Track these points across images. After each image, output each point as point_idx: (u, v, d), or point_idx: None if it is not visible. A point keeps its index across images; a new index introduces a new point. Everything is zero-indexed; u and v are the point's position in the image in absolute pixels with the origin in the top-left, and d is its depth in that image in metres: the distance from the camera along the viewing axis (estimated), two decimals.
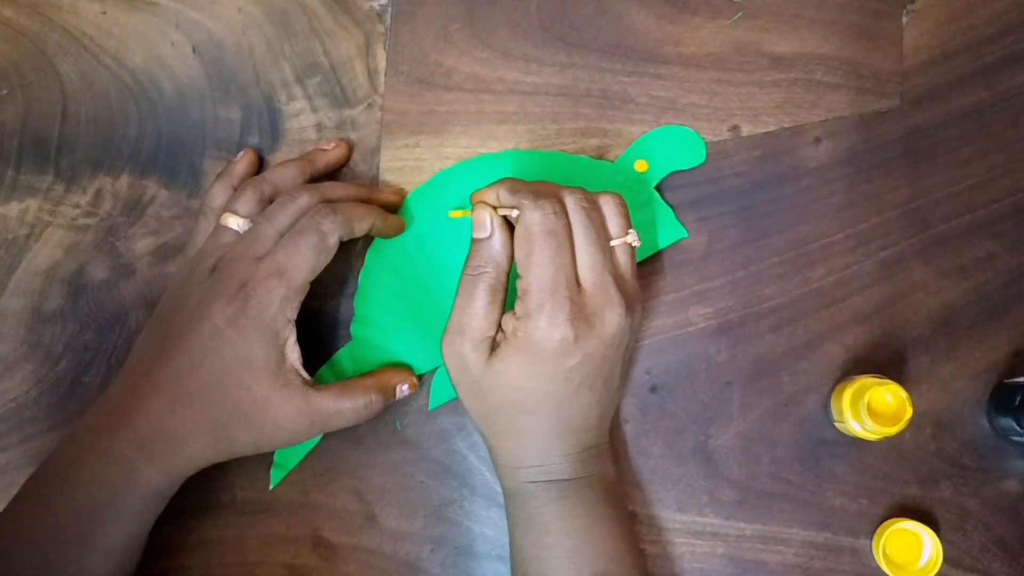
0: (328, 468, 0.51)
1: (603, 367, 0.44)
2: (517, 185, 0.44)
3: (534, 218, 0.42)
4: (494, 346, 0.44)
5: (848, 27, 0.52)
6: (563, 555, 0.44)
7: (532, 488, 0.45)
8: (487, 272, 0.43)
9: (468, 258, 0.44)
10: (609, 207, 0.45)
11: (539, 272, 0.42)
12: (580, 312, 0.42)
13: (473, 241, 0.45)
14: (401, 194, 0.52)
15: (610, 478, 0.46)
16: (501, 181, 0.45)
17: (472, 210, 0.45)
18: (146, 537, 0.45)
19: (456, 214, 0.47)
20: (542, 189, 0.44)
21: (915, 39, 0.52)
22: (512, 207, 0.44)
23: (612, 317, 0.43)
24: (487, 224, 0.44)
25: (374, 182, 0.53)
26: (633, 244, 0.45)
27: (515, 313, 0.43)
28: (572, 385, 0.43)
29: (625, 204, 0.45)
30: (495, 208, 0.44)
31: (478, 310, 0.43)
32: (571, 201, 0.43)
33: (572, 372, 0.43)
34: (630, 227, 0.45)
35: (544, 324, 0.42)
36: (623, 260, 0.45)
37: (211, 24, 0.55)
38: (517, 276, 0.43)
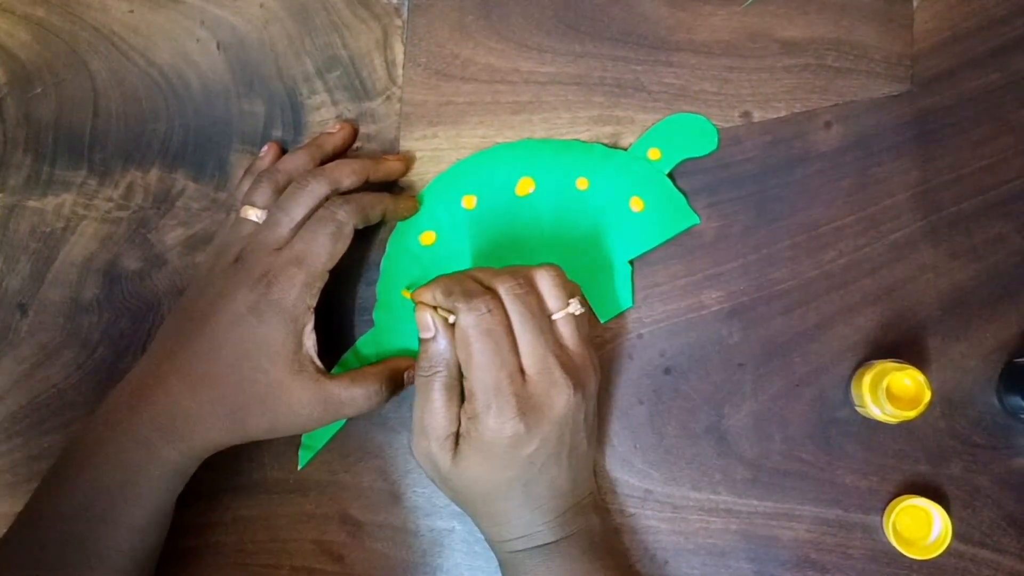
0: (354, 448, 0.53)
1: (563, 442, 0.45)
2: (451, 286, 0.44)
3: (469, 321, 0.43)
4: (458, 440, 0.44)
5: (859, 11, 0.53)
6: None
7: (519, 556, 0.46)
8: (439, 371, 0.44)
9: (418, 359, 0.45)
10: (545, 282, 0.45)
11: (480, 374, 0.43)
12: (527, 403, 0.43)
13: (420, 341, 0.45)
14: (405, 159, 0.54)
15: (595, 530, 0.47)
16: (436, 281, 0.45)
17: (415, 295, 0.45)
18: (170, 514, 0.47)
19: (406, 294, 0.47)
20: (472, 287, 0.44)
21: (925, 22, 0.52)
22: (448, 311, 0.44)
23: (560, 399, 0.43)
24: (430, 325, 0.44)
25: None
26: (576, 312, 0.45)
27: (466, 411, 0.44)
28: (535, 467, 0.44)
29: (561, 273, 0.46)
30: (435, 308, 0.45)
31: (436, 410, 0.44)
32: (504, 290, 0.44)
33: (532, 457, 0.44)
34: (571, 295, 0.45)
35: (493, 424, 0.42)
36: (567, 332, 0.45)
37: (234, 20, 0.57)
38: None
